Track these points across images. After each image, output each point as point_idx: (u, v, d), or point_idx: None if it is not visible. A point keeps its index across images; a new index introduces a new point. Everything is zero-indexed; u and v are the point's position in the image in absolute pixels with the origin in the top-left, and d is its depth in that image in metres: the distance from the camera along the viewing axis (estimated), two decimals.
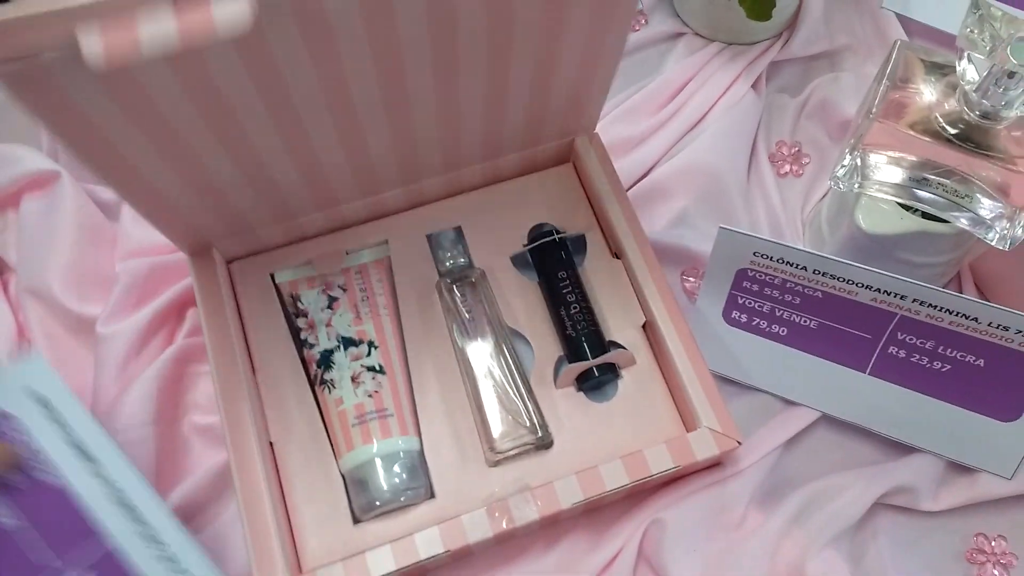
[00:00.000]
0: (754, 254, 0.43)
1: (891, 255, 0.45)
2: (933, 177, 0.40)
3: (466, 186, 0.49)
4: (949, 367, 0.42)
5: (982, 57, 0.35)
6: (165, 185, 0.37)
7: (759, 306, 0.46)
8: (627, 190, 0.53)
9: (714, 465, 0.44)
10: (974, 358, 0.41)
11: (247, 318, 0.46)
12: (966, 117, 0.38)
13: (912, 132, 0.39)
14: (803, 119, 0.55)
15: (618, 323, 0.46)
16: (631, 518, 0.44)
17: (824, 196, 0.52)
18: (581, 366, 0.44)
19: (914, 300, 0.40)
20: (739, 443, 0.41)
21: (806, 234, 0.52)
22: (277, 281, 0.47)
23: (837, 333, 0.44)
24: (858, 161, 0.41)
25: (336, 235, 0.48)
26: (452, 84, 0.38)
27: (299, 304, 0.46)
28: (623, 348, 0.46)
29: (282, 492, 0.42)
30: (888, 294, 0.41)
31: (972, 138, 0.38)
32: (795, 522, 0.43)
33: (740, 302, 0.46)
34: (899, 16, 0.56)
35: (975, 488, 0.44)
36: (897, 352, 0.43)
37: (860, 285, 0.41)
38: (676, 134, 0.54)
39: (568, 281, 0.46)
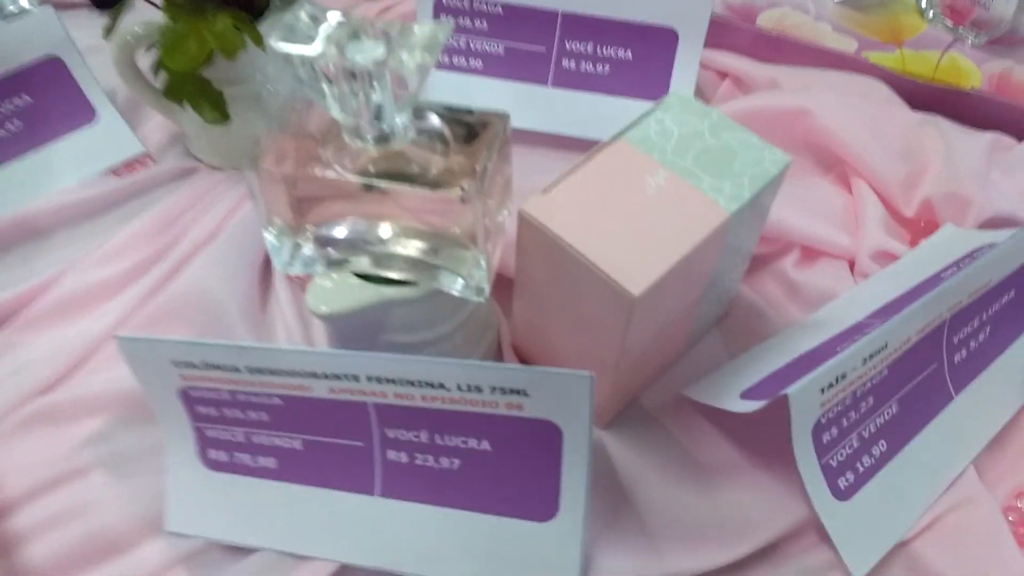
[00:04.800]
0: (174, 364, 0.32)
1: (377, 339, 0.36)
2: (368, 232, 0.33)
3: None
4: (459, 461, 0.33)
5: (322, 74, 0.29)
6: None
7: (232, 435, 0.35)
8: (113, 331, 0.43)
9: None
10: (476, 441, 0.33)
11: None
12: (366, 149, 0.31)
13: (319, 187, 0.31)
14: None
15: None
16: None
17: None
18: None
19: (369, 378, 0.31)
20: None
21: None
22: None
23: (328, 448, 0.34)
24: (275, 238, 0.33)
25: None
26: None
27: None
28: None
29: None
30: (340, 378, 0.31)
31: (395, 172, 0.31)
32: None
33: (210, 435, 0.35)
34: None
35: None
36: (399, 456, 0.34)
37: (301, 374, 0.32)
38: (174, 264, 0.45)
39: None
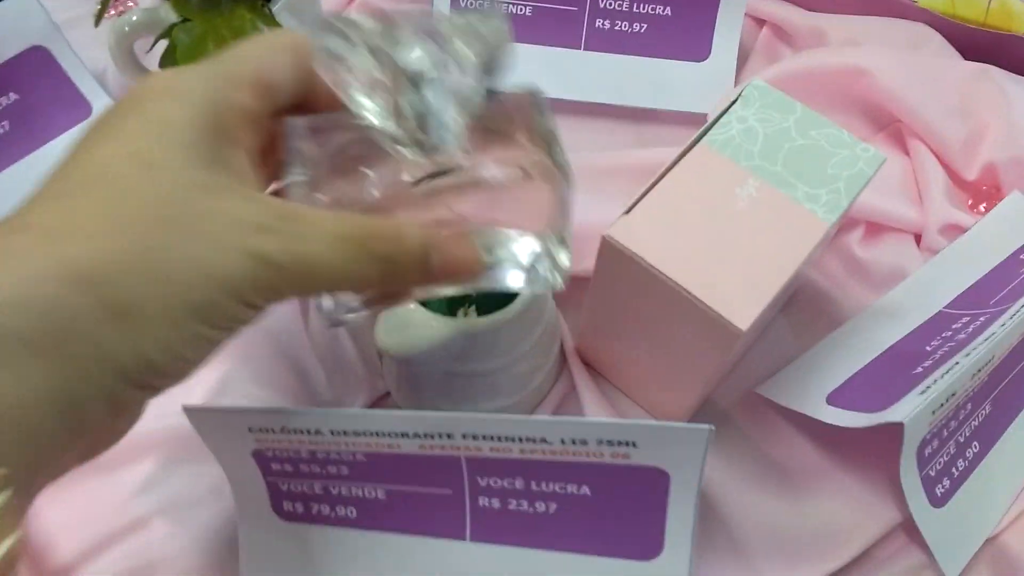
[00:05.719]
0: (249, 429, 0.30)
1: (448, 369, 0.34)
2: None
3: None
4: (555, 506, 0.32)
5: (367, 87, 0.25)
6: None
7: (308, 487, 0.33)
8: None
9: None
10: (576, 487, 0.31)
11: None
12: (417, 162, 0.27)
13: None
14: None
15: None
16: None
17: None
18: None
19: (464, 436, 0.29)
20: None
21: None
22: None
23: (413, 497, 0.32)
24: None
25: None
26: None
27: None
28: None
29: None
30: (433, 437, 0.29)
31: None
32: None
33: (285, 489, 0.33)
34: None
35: None
36: (490, 503, 0.32)
37: (393, 435, 0.29)
38: None
39: None
